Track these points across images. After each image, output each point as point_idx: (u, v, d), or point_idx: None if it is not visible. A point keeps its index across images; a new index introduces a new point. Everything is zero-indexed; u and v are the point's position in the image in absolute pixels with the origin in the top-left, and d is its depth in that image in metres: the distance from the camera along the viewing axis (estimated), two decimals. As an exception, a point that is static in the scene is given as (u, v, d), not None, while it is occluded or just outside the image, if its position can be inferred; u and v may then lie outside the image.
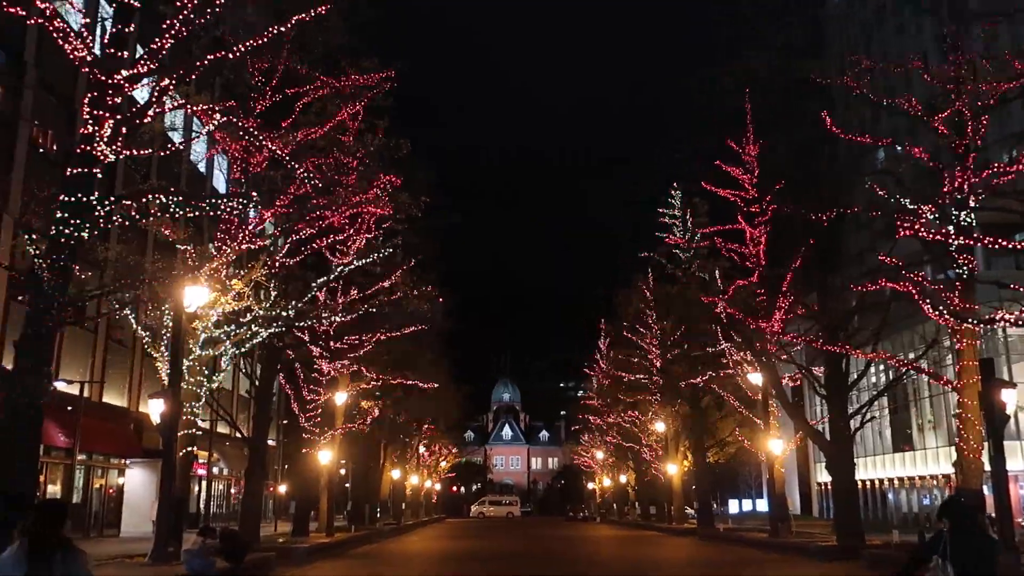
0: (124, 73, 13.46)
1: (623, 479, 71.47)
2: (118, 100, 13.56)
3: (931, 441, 45.28)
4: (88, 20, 13.59)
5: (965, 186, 19.66)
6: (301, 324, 24.85)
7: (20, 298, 21.53)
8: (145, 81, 14.28)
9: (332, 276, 26.18)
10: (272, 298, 22.82)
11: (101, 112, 13.33)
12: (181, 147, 27.34)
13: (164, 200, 14.57)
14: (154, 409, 17.89)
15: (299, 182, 20.46)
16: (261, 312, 22.00)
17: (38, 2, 12.95)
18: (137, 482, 36.07)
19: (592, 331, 66.72)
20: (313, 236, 23.80)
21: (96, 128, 13.28)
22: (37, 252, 13.00)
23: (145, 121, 14.19)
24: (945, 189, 19.91)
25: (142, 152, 15.49)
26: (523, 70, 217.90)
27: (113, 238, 23.62)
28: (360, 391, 35.81)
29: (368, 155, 25.28)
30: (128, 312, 19.82)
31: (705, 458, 43.68)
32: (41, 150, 24.95)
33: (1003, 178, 19.60)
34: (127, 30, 13.67)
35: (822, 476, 56.66)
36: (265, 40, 15.04)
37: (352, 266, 26.06)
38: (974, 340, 20.18)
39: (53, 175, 19.65)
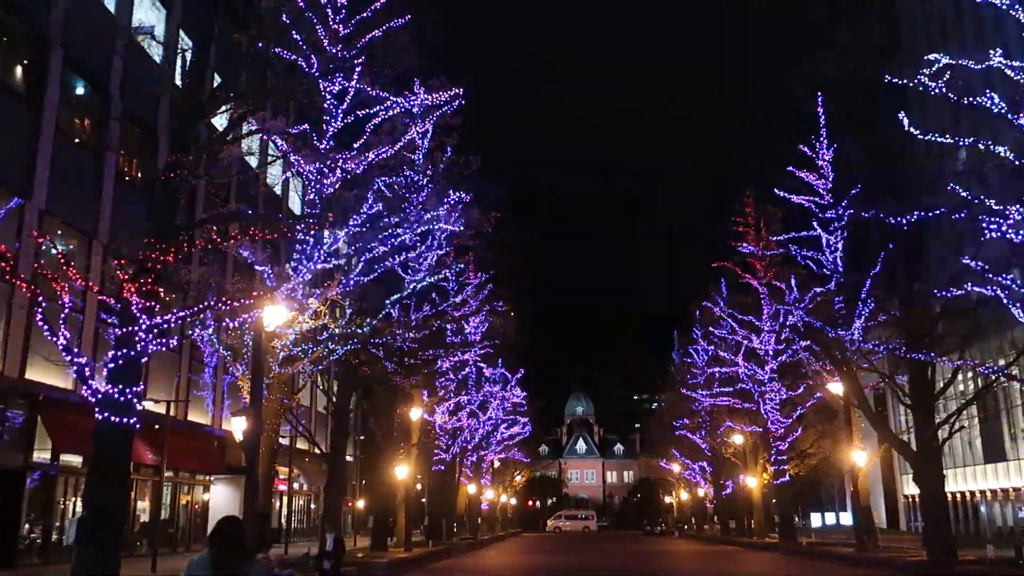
0: (204, 101, 13.92)
1: (701, 492, 70.36)
2: (199, 128, 14.03)
3: (1025, 451, 43.44)
4: (169, 52, 14.12)
5: (1054, 184, 18.91)
6: (376, 341, 25.20)
7: (110, 321, 22.37)
8: (224, 108, 14.74)
9: (404, 293, 26.50)
10: (347, 316, 23.21)
11: (183, 140, 13.81)
12: (258, 171, 28.10)
13: (243, 223, 14.99)
14: (237, 426, 18.35)
15: (371, 201, 20.83)
16: (337, 330, 22.39)
17: (124, 38, 13.53)
18: (221, 498, 36.96)
19: (665, 342, 66.05)
20: (386, 254, 24.15)
21: (178, 155, 13.75)
22: (125, 276, 13.49)
23: (224, 147, 14.64)
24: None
25: (222, 177, 15.98)
26: (582, 81, 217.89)
27: (195, 261, 24.37)
28: (434, 406, 36.12)
29: (438, 173, 25.60)
30: (210, 332, 20.41)
31: (785, 470, 42.70)
32: (127, 178, 25.92)
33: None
34: (206, 60, 14.13)
35: (909, 488, 54.83)
36: (337, 64, 15.39)
37: (424, 283, 26.35)
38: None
39: (139, 202, 20.42)
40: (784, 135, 28.98)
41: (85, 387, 13.00)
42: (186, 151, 13.81)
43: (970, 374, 41.02)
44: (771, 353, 39.71)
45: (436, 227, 24.71)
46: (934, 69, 21.33)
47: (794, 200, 29.34)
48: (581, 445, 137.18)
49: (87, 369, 13.00)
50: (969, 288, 20.72)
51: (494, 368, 50.27)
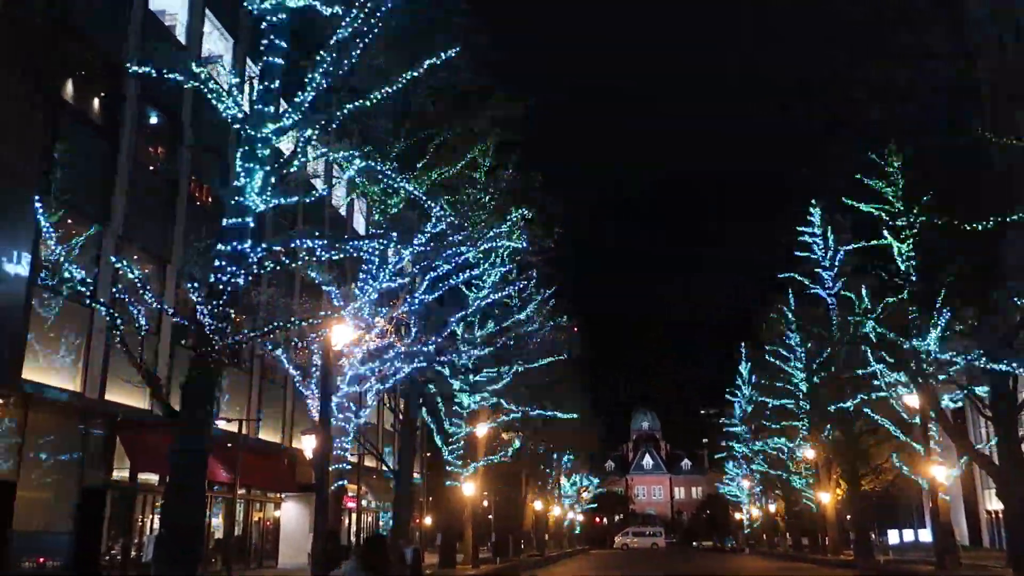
0: (271, 127, 14.25)
1: (772, 508, 68.89)
2: (266, 152, 14.36)
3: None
4: (237, 79, 14.50)
5: None
6: (441, 359, 25.39)
7: (184, 343, 22.98)
8: (290, 133, 15.06)
9: (469, 311, 26.67)
10: (413, 334, 23.44)
11: (251, 164, 14.14)
12: (324, 193, 28.61)
13: (310, 244, 15.26)
14: (307, 444, 18.63)
15: (435, 220, 21.05)
16: (403, 348, 22.63)
17: (193, 67, 13.96)
18: (292, 515, 37.48)
19: (732, 356, 65.10)
20: (450, 272, 24.36)
21: (247, 180, 14.08)
22: (198, 299, 13.85)
23: (291, 171, 14.94)
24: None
25: (289, 200, 16.31)
26: (645, 92, 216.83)
27: (264, 282, 24.89)
28: (500, 423, 36.17)
29: (499, 190, 25.77)
30: (280, 352, 20.82)
31: (860, 486, 41.54)
32: (198, 203, 26.67)
33: None
34: (272, 86, 14.47)
35: (992, 503, 52.77)
36: (399, 87, 15.62)
37: (487, 300, 26.50)
38: None
39: (210, 226, 20.97)
40: (847, 142, 28.33)
41: (161, 407, 13.36)
42: (254, 175, 14.14)
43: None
44: (843, 365, 38.76)
45: (499, 244, 24.84)
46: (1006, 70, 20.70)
47: (863, 208, 28.72)
48: (648, 460, 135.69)
49: (163, 390, 13.36)
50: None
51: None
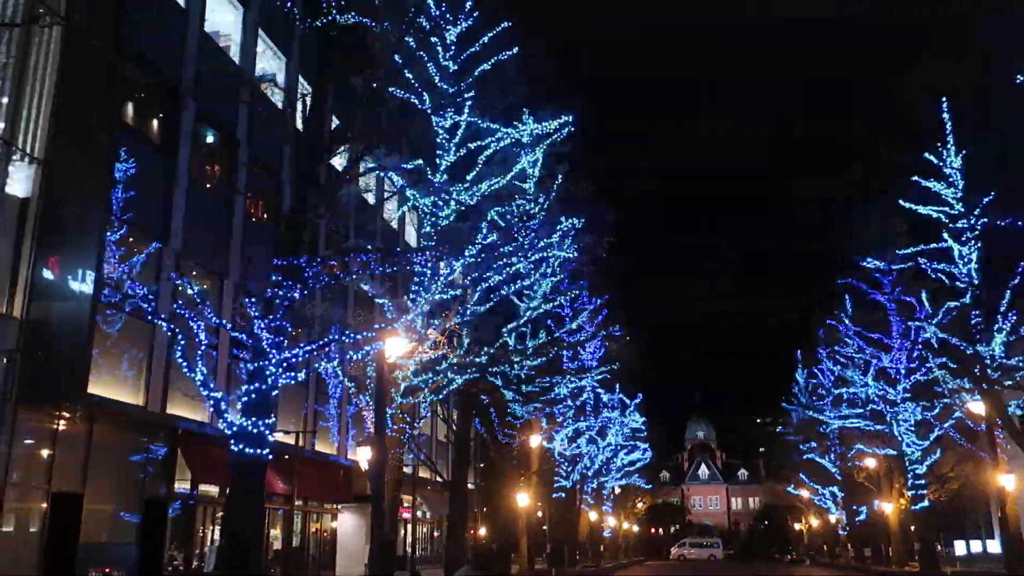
0: (323, 144, 14.49)
1: (832, 519, 67.49)
2: (319, 168, 14.60)
3: None
4: (291, 98, 14.79)
5: None
6: (493, 369, 25.44)
7: (242, 356, 23.38)
8: (342, 149, 15.29)
9: (520, 321, 26.68)
10: (465, 345, 23.53)
11: (305, 181, 14.39)
12: (375, 206, 28.93)
13: (363, 258, 15.47)
14: (362, 456, 18.82)
15: (485, 232, 21.15)
16: (455, 359, 22.73)
17: (247, 86, 14.29)
18: (348, 526, 37.79)
19: (788, 363, 64.05)
20: (501, 283, 24.41)
21: (301, 196, 14.33)
22: (255, 314, 14.11)
23: (344, 186, 15.17)
24: None
25: (342, 214, 16.54)
26: (700, 89, 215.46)
27: (318, 296, 25.23)
28: (553, 432, 36.10)
29: (550, 201, 25.77)
30: (335, 365, 21.07)
31: (924, 495, 40.49)
32: (254, 220, 27.17)
33: None
34: (325, 104, 14.72)
35: (1064, 513, 50.94)
36: (448, 100, 15.78)
37: (539, 310, 26.48)
38: None
39: (266, 242, 21.35)
40: (901, 143, 27.82)
41: (221, 420, 13.61)
42: (308, 191, 14.39)
43: None
44: (903, 372, 37.91)
45: (550, 254, 24.84)
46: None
47: (921, 211, 28.11)
48: (703, 470, 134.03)
49: (222, 403, 13.62)
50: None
51: (612, 394, 49.85)
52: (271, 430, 14.25)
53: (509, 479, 33.40)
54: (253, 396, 13.69)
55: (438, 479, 33.63)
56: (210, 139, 25.16)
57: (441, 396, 23.36)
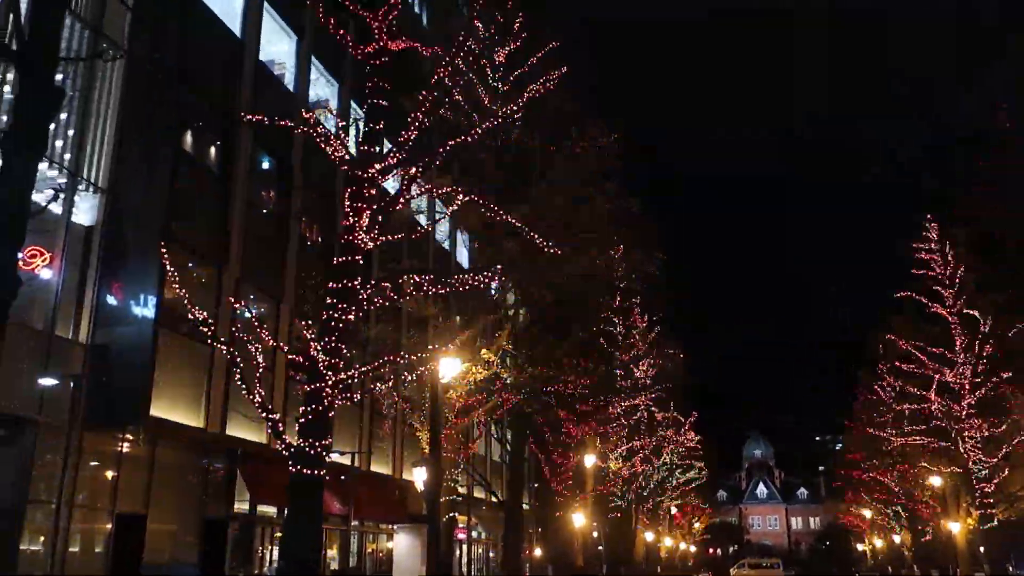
0: (376, 167, 14.66)
1: (897, 539, 65.65)
2: (372, 192, 14.76)
3: None
4: (343, 123, 15.01)
5: None
6: (547, 389, 25.36)
7: (298, 378, 23.67)
8: (394, 172, 15.45)
9: (572, 339, 26.59)
10: (519, 365, 23.52)
11: (358, 204, 14.55)
12: (428, 228, 29.15)
13: (417, 279, 15.56)
14: (418, 476, 18.87)
15: (535, 250, 21.13)
16: (509, 379, 22.72)
17: (303, 113, 14.55)
18: (404, 546, 37.82)
19: (848, 379, 62.75)
20: (552, 301, 24.37)
21: (355, 219, 14.49)
22: (311, 336, 14.28)
23: (396, 208, 15.30)
24: None
25: (395, 237, 16.69)
26: (755, 101, 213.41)
27: (372, 318, 25.44)
28: (607, 452, 35.81)
29: (598, 216, 25.70)
30: (390, 385, 21.21)
31: (993, 514, 39.17)
32: (308, 243, 27.58)
33: None
34: (377, 128, 14.90)
35: None
36: (498, 122, 15.85)
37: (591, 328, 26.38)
38: None
39: (320, 265, 21.66)
40: (963, 152, 27.18)
41: (279, 441, 13.77)
42: (361, 214, 14.55)
43: None
44: (967, 387, 36.84)
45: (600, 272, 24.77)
46: None
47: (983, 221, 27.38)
48: (762, 489, 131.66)
49: (280, 424, 13.78)
50: None
51: (666, 412, 49.30)
52: (328, 451, 14.37)
53: (564, 499, 33.17)
54: (310, 417, 13.83)
55: (493, 499, 33.55)
56: (265, 164, 25.68)
57: (495, 416, 23.34)
